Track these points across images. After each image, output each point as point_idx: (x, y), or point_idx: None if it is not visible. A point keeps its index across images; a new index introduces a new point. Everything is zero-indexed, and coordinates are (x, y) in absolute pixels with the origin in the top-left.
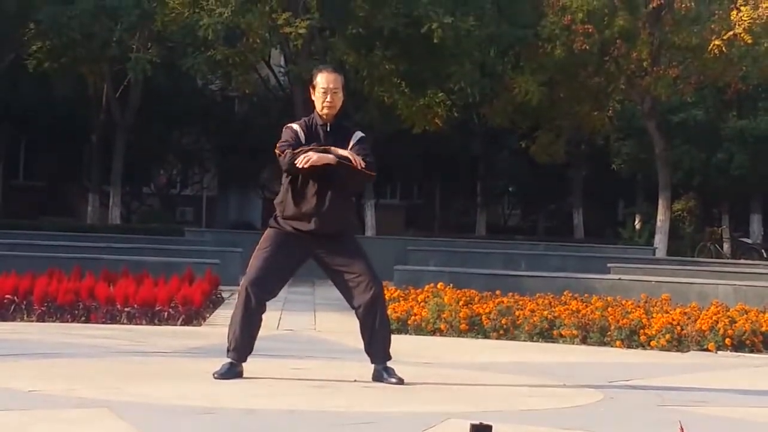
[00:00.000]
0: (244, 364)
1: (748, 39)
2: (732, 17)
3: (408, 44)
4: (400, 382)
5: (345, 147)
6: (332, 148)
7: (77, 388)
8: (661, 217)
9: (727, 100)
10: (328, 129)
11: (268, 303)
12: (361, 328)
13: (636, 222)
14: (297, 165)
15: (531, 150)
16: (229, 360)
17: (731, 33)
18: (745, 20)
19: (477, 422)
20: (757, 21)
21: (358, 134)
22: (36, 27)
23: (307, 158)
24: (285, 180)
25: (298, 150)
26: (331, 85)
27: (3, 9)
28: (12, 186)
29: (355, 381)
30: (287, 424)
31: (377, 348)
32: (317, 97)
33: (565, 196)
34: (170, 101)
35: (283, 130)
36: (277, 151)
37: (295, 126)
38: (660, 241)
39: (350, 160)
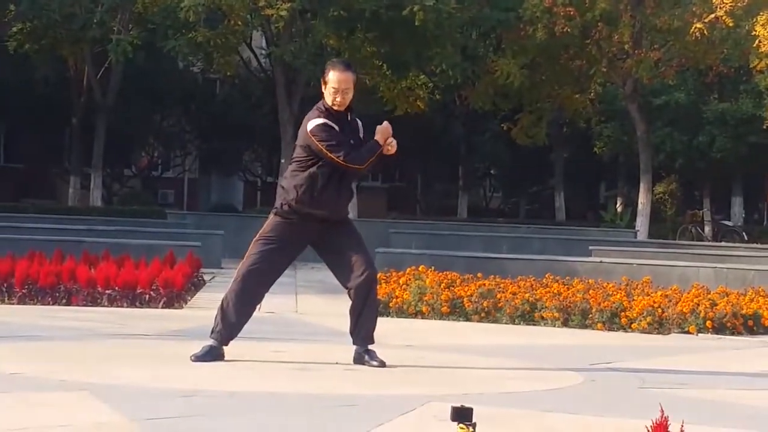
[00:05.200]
0: (225, 348)
1: (730, 22)
2: (713, 0)
3: (389, 27)
4: (382, 364)
5: (359, 136)
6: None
7: (59, 370)
8: (643, 200)
9: (709, 82)
10: (348, 118)
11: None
12: (351, 308)
13: (617, 205)
14: (386, 153)
15: (512, 132)
16: (210, 342)
17: (713, 16)
18: (727, 3)
19: (458, 405)
20: (739, 4)
21: (360, 124)
22: (16, 8)
23: (392, 147)
24: (306, 168)
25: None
26: (342, 86)
27: None
28: None
29: (336, 363)
30: (268, 406)
31: (362, 330)
32: (327, 93)
33: (546, 179)
34: (151, 83)
35: (321, 129)
36: (333, 155)
37: (329, 122)
38: (641, 223)
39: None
